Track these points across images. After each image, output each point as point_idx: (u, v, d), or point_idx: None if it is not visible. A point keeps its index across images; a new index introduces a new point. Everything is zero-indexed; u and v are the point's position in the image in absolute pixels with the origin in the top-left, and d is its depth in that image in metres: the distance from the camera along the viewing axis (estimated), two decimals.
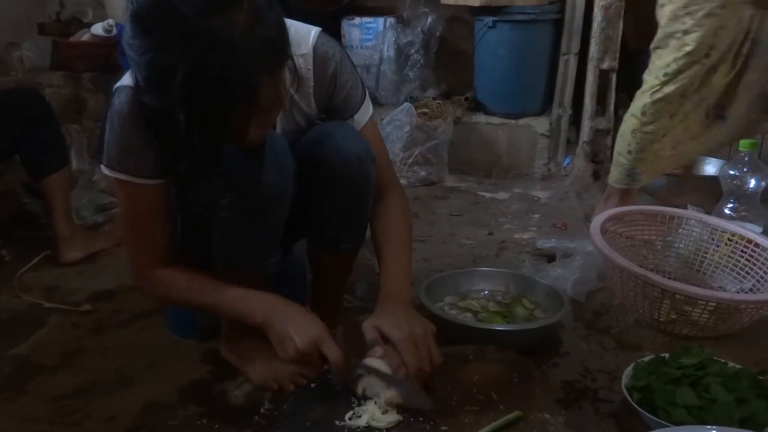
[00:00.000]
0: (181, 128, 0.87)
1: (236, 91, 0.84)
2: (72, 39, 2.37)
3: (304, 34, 1.11)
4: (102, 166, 1.07)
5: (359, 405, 1.02)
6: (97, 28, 2.30)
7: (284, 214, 1.12)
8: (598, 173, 2.43)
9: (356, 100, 1.17)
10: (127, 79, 1.01)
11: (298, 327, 1.01)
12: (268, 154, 1.04)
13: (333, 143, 1.13)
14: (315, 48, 1.11)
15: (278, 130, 1.16)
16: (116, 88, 1.03)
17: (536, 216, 2.18)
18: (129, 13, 0.85)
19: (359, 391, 1.02)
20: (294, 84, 1.05)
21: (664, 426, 0.97)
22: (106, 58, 2.28)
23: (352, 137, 1.15)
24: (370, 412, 0.99)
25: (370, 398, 1.01)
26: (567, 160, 2.60)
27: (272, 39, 0.89)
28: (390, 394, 0.99)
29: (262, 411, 1.13)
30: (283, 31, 0.94)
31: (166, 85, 0.83)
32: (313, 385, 1.10)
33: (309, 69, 1.11)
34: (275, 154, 1.06)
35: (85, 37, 2.33)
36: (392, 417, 0.98)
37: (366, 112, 1.20)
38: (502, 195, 2.42)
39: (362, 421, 0.98)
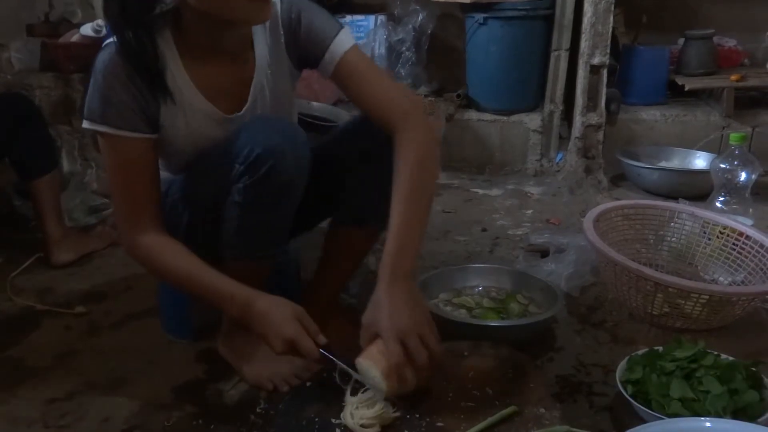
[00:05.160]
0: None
1: None
2: (61, 40, 2.35)
3: None
4: (83, 120, 1.07)
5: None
6: (87, 29, 2.28)
7: (296, 201, 1.13)
8: (591, 168, 2.44)
9: (326, 35, 1.12)
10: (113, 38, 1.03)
11: (273, 329, 1.02)
12: (287, 140, 1.06)
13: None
14: None
15: (267, 92, 1.16)
16: (103, 45, 1.06)
17: (529, 212, 2.19)
18: None
19: (337, 373, 1.04)
20: None
21: (659, 418, 0.97)
22: (95, 59, 2.26)
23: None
24: (354, 406, 1.00)
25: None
26: (559, 156, 2.60)
27: None
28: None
29: (257, 410, 1.13)
30: None
31: None
32: (308, 384, 1.10)
33: (277, 15, 1.13)
34: (293, 141, 1.07)
35: (75, 38, 2.32)
36: (379, 409, 0.98)
37: (342, 43, 1.13)
38: (495, 191, 2.42)
39: (349, 420, 0.98)
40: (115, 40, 1.03)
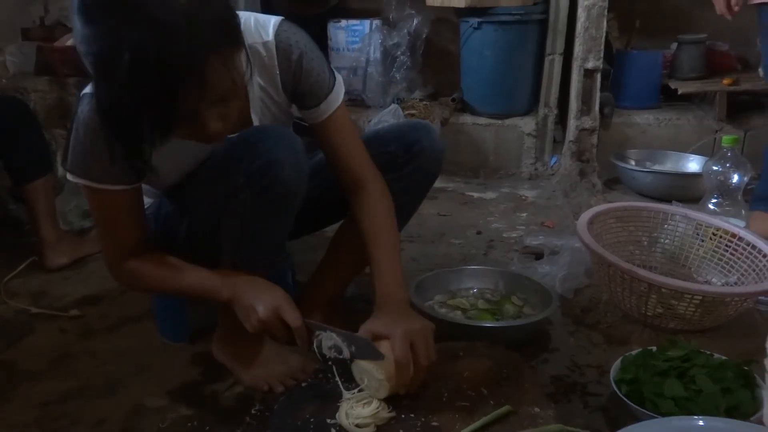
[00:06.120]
0: (131, 120, 0.88)
1: (180, 71, 0.85)
2: (57, 43, 2.35)
3: (264, 23, 1.10)
4: (67, 173, 1.07)
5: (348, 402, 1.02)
6: None
7: (296, 210, 1.13)
8: (585, 172, 2.45)
9: (324, 86, 1.15)
10: (92, 86, 1.00)
11: (259, 297, 1.04)
12: (287, 151, 1.06)
13: (430, 135, 1.26)
14: (277, 35, 1.10)
15: (255, 122, 1.16)
16: (82, 95, 1.03)
17: (524, 215, 2.20)
18: (75, 8, 0.86)
19: (317, 347, 1.04)
20: (248, 71, 1.02)
21: (653, 418, 0.98)
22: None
23: (438, 138, 1.28)
24: (350, 405, 1.00)
25: (331, 358, 1.04)
26: (554, 160, 2.62)
27: (217, 20, 0.89)
28: (348, 348, 1.02)
29: (253, 411, 1.13)
30: (231, 15, 0.94)
31: (112, 71, 0.84)
32: (304, 384, 1.10)
33: (273, 56, 1.11)
34: (293, 150, 1.07)
35: (70, 42, 2.32)
36: (374, 409, 0.98)
37: (336, 98, 1.16)
38: (489, 195, 2.43)
39: (345, 420, 0.98)
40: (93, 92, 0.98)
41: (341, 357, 1.02)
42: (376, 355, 0.99)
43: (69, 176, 1.07)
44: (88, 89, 1.02)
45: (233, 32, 0.94)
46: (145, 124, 0.89)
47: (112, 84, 0.86)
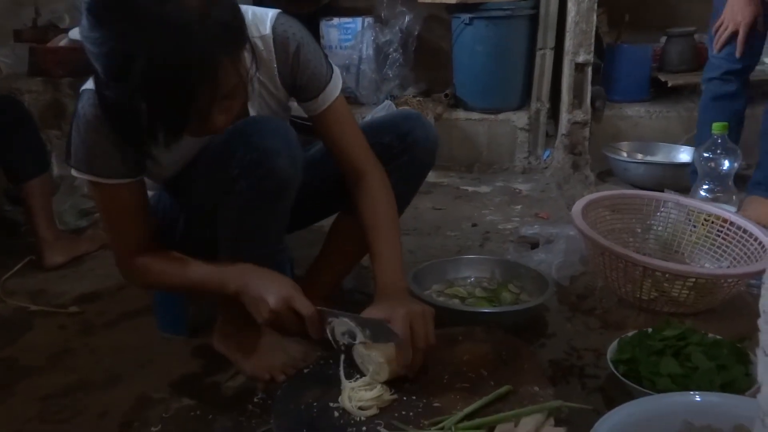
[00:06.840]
0: (142, 119, 0.88)
1: (195, 74, 0.86)
2: (50, 44, 2.36)
3: (262, 17, 1.11)
4: (72, 169, 1.08)
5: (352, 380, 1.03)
6: (75, 33, 2.29)
7: (292, 201, 1.14)
8: (578, 164, 2.48)
9: (322, 77, 1.15)
10: (91, 83, 1.01)
11: (268, 288, 1.03)
12: (281, 142, 1.06)
13: (423, 125, 1.26)
14: (274, 29, 1.10)
15: (252, 114, 1.16)
16: (81, 91, 1.04)
17: (518, 207, 2.22)
18: (85, 6, 0.86)
19: (330, 333, 1.04)
20: (252, 66, 1.03)
21: (650, 395, 0.99)
22: (85, 63, 2.26)
23: (432, 128, 1.29)
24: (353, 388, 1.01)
25: (347, 345, 1.04)
26: (546, 153, 2.64)
27: (228, 22, 0.91)
28: (363, 332, 1.02)
29: (255, 400, 1.14)
30: (239, 15, 0.95)
31: (126, 73, 0.84)
32: (306, 370, 1.11)
33: (270, 51, 1.11)
34: (287, 141, 1.08)
35: (63, 42, 2.32)
36: (377, 392, 0.99)
37: (334, 89, 1.17)
38: (484, 188, 2.45)
39: (347, 403, 0.99)
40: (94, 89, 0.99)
41: (355, 342, 1.03)
42: (391, 337, 0.99)
43: (74, 172, 1.07)
44: (88, 85, 1.02)
45: (241, 31, 0.95)
46: (157, 125, 0.90)
47: (124, 86, 0.86)
